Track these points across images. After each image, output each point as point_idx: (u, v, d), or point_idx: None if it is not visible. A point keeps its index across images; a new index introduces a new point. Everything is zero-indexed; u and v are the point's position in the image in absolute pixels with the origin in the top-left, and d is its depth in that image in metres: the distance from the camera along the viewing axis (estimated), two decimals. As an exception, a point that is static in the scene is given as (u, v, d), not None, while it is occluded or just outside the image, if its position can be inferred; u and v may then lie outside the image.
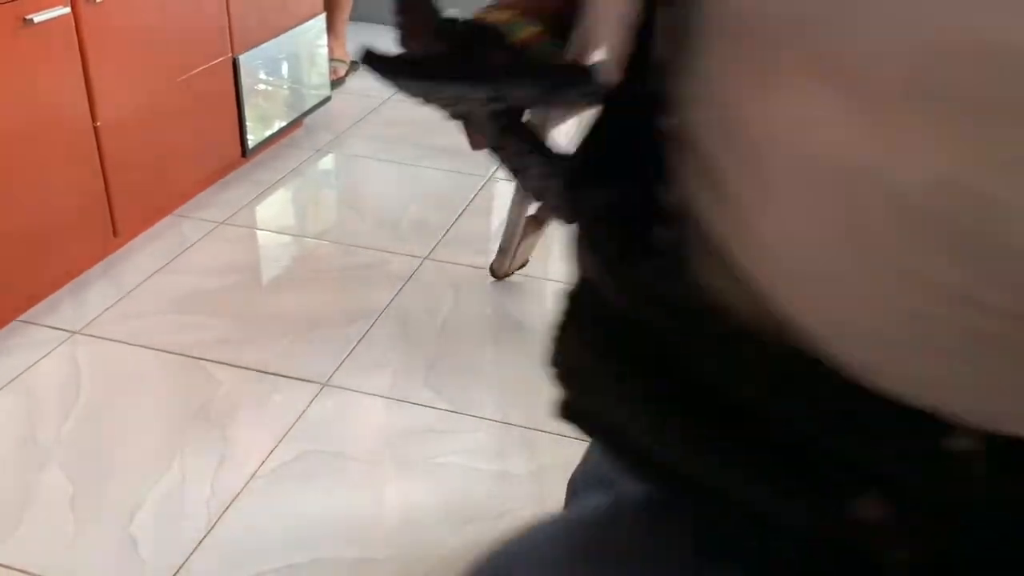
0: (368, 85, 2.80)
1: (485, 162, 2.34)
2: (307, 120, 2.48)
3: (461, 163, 2.28)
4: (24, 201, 1.50)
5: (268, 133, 2.24)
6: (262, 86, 2.16)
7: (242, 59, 2.04)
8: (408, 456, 1.33)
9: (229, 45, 1.99)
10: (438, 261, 1.87)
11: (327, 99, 2.50)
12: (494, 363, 1.56)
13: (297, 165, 2.28)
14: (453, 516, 1.23)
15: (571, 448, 1.32)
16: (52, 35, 1.50)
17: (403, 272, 1.82)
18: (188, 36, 1.85)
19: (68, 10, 1.51)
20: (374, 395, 1.46)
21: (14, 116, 1.45)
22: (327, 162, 2.33)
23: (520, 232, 1.72)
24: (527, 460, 1.34)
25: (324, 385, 1.48)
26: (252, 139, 2.16)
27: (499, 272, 1.79)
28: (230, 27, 1.98)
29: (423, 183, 2.23)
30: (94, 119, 1.62)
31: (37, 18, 1.44)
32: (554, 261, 1.90)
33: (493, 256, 1.88)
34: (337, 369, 1.51)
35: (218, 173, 2.12)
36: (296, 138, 2.43)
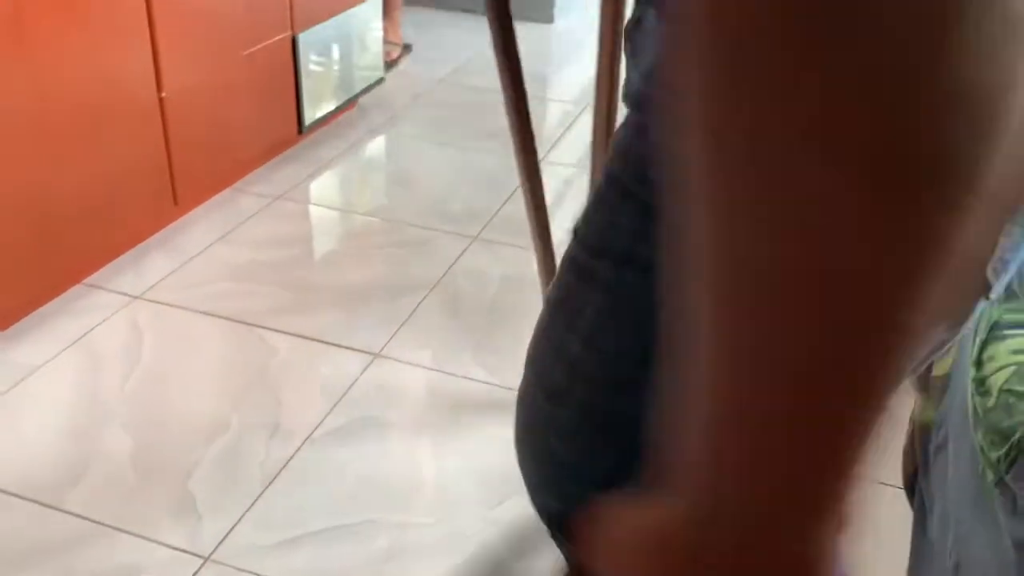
0: (420, 69, 2.83)
1: (541, 148, 2.35)
2: (361, 100, 2.51)
3: (512, 146, 2.29)
4: (90, 168, 1.55)
5: (324, 112, 2.28)
6: (319, 66, 2.20)
7: (301, 37, 2.08)
8: (454, 427, 1.36)
9: (290, 23, 2.03)
10: (487, 241, 1.89)
11: (381, 80, 2.53)
12: (541, 342, 1.58)
13: (351, 144, 2.32)
14: (493, 487, 1.25)
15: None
16: (123, 6, 1.54)
17: (453, 251, 1.84)
18: (251, 13, 1.89)
19: (139, -18, 1.55)
20: (423, 367, 1.49)
21: (83, 85, 1.50)
22: (380, 142, 2.36)
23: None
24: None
25: (376, 356, 1.51)
26: (308, 117, 2.20)
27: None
28: (291, 5, 2.01)
29: (474, 165, 2.25)
30: (160, 90, 1.67)
31: (110, -9, 1.49)
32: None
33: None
34: (389, 341, 1.54)
35: (275, 149, 2.16)
36: (350, 118, 2.46)
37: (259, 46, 1.94)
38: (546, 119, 2.59)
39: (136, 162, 1.66)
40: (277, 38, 2.00)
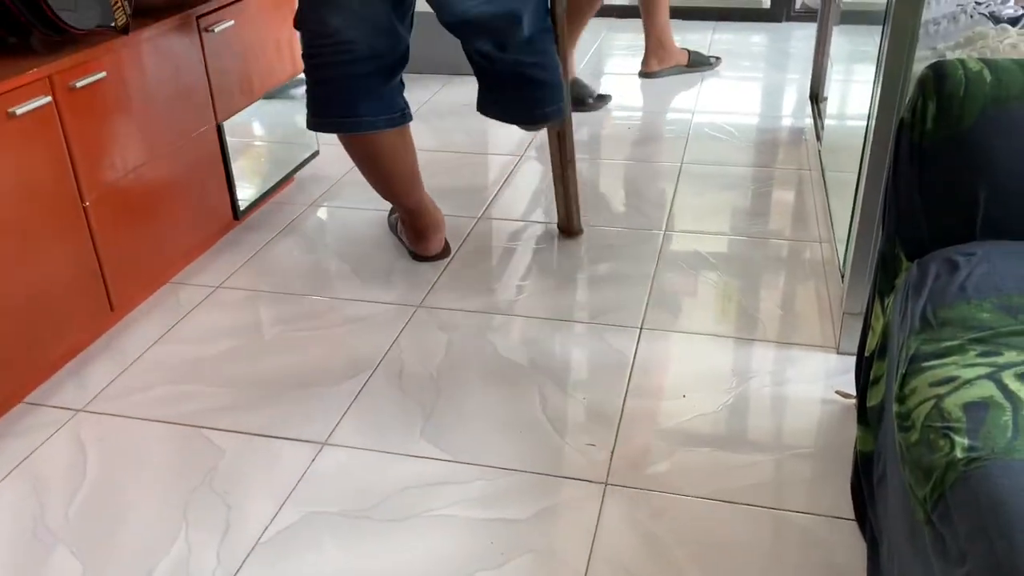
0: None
1: (478, 204, 2.37)
2: (298, 175, 2.52)
3: (451, 206, 2.31)
4: (19, 287, 1.54)
5: (259, 193, 2.28)
6: (248, 150, 2.20)
7: (226, 125, 2.08)
8: (405, 511, 1.35)
9: (212, 113, 2.04)
10: (430, 309, 1.89)
11: (315, 153, 2.54)
12: (490, 407, 1.57)
13: (290, 221, 2.32)
14: (451, 570, 1.24)
15: (568, 488, 1.34)
16: (36, 124, 1.54)
17: (397, 323, 1.84)
18: (170, 109, 1.89)
19: (49, 99, 1.55)
20: (372, 450, 1.48)
21: (3, 205, 1.49)
22: (319, 216, 2.37)
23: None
24: (526, 505, 1.35)
25: (324, 444, 1.50)
26: (243, 201, 2.20)
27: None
28: (212, 97, 2.02)
29: (414, 229, 2.26)
30: (82, 200, 1.66)
31: (19, 110, 1.49)
32: (535, 298, 1.92)
33: (489, 300, 1.91)
34: (336, 427, 1.53)
35: (212, 238, 2.16)
36: (288, 194, 2.47)
37: (182, 141, 1.94)
38: (488, 172, 2.61)
39: (66, 274, 1.65)
40: (201, 130, 2.00)
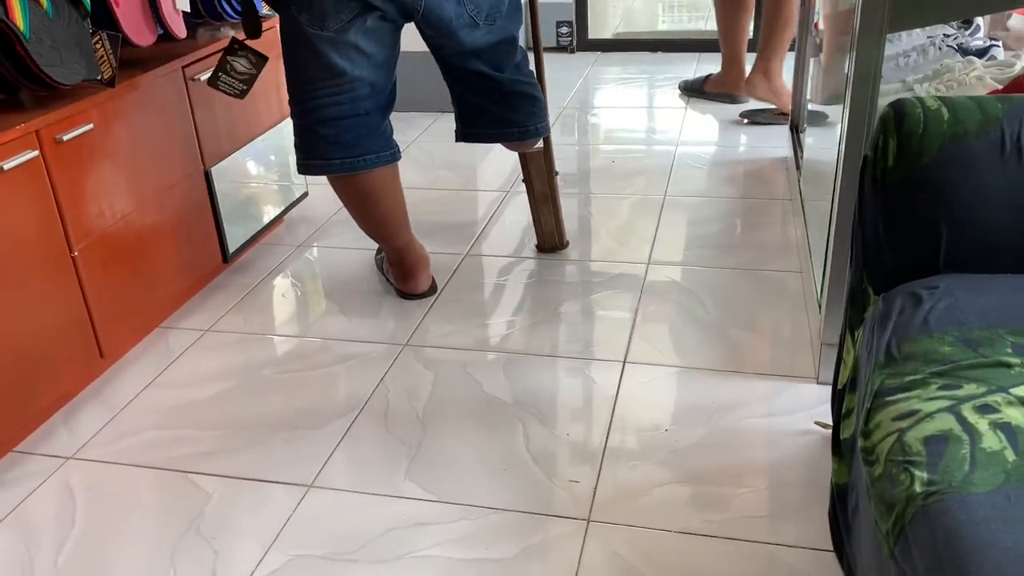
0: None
1: (464, 240, 2.40)
2: (287, 216, 2.55)
3: (438, 243, 2.34)
4: (8, 337, 1.56)
5: (248, 237, 2.31)
6: (237, 193, 2.24)
7: (214, 170, 2.12)
8: (391, 553, 1.36)
9: (200, 158, 2.07)
10: (416, 347, 1.92)
11: (304, 195, 2.58)
12: (474, 445, 1.59)
13: (278, 263, 2.35)
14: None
15: (552, 526, 1.35)
16: (23, 178, 1.57)
17: (383, 363, 1.86)
18: (158, 158, 1.93)
19: (37, 153, 1.59)
20: (358, 492, 1.49)
21: (-8, 259, 1.52)
22: (308, 257, 2.40)
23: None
24: (510, 544, 1.37)
25: (309, 487, 1.51)
26: (232, 244, 2.23)
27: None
28: (199, 144, 2.06)
29: (401, 268, 2.29)
30: (71, 250, 1.69)
31: (7, 165, 1.52)
32: (520, 333, 1.94)
33: (475, 337, 1.93)
34: (322, 469, 1.55)
35: (201, 282, 2.18)
36: (277, 235, 2.50)
37: (170, 187, 1.98)
38: (475, 208, 2.64)
39: (56, 323, 1.67)
40: (189, 175, 2.04)
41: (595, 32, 4.34)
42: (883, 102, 1.55)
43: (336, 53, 1.77)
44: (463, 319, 2.02)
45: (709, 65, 3.79)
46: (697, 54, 4.10)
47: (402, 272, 2.10)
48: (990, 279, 1.17)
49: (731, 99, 3.38)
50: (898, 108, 1.26)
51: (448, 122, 3.17)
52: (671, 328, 1.94)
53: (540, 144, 2.18)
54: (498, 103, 2.03)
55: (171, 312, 2.08)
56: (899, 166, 1.24)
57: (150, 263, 1.94)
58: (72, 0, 1.69)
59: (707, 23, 5.33)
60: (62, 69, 1.62)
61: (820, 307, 1.72)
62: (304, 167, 1.93)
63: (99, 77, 1.73)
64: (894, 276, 1.24)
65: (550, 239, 2.29)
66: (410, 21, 1.82)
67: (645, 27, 5.40)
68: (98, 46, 1.72)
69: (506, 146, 2.18)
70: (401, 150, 1.99)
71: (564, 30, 4.25)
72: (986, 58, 1.88)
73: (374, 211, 1.99)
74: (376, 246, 2.31)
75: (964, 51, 1.90)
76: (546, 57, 2.28)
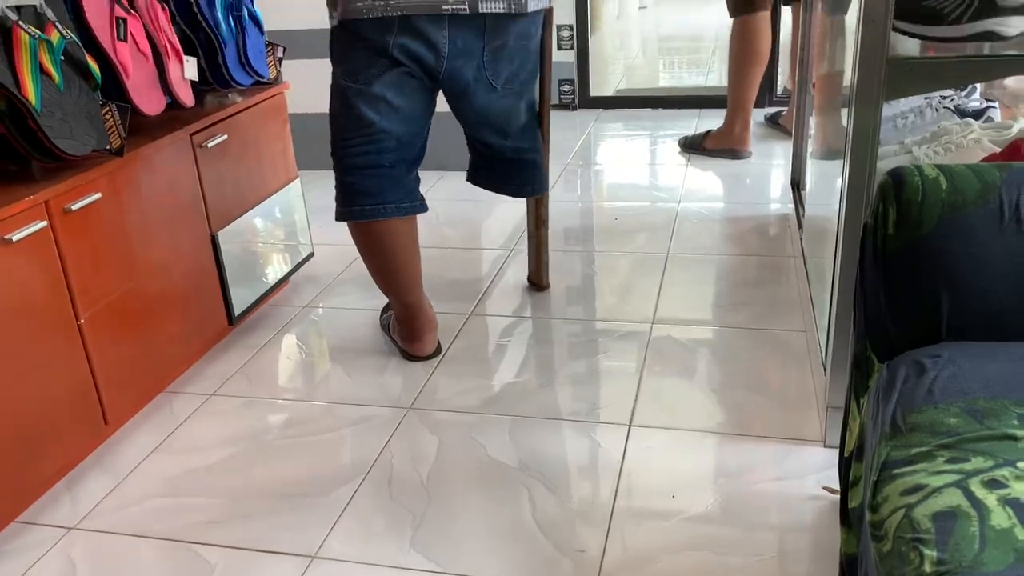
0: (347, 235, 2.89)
1: (469, 300, 2.41)
2: (293, 277, 2.57)
3: (443, 303, 2.35)
4: (13, 405, 1.57)
5: (254, 298, 2.33)
6: (244, 257, 2.26)
7: (220, 235, 2.14)
8: (397, 625, 1.34)
9: (207, 225, 2.09)
10: (421, 411, 1.91)
11: (310, 255, 2.60)
12: (480, 513, 1.58)
13: (284, 325, 2.36)
14: None
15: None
16: (32, 248, 1.59)
17: (389, 425, 1.86)
18: (165, 224, 1.95)
19: (45, 223, 1.61)
20: (362, 563, 1.48)
21: (-1, 329, 1.53)
22: (313, 318, 2.40)
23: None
24: (515, 616, 1.35)
25: (313, 558, 1.50)
26: (238, 306, 2.24)
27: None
28: (206, 209, 2.08)
29: (406, 329, 2.29)
30: (77, 318, 1.70)
31: (16, 236, 1.54)
32: (525, 396, 1.93)
33: (479, 399, 1.93)
34: (326, 539, 1.54)
35: (206, 345, 2.19)
36: (284, 296, 2.51)
37: (177, 252, 1.99)
38: (479, 267, 2.66)
39: (61, 391, 1.67)
40: (196, 240, 2.06)
41: (597, 89, 4.40)
42: (882, 165, 1.57)
43: (365, 105, 1.86)
44: (468, 381, 2.02)
45: (709, 121, 3.84)
46: (698, 110, 4.15)
47: (409, 332, 2.11)
48: (994, 347, 1.17)
49: (734, 155, 3.41)
50: (896, 177, 1.27)
51: (452, 181, 3.21)
52: (676, 389, 1.93)
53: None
54: (497, 169, 2.21)
55: (176, 376, 2.09)
56: (899, 235, 1.24)
57: (156, 329, 1.95)
58: (83, 72, 1.72)
59: (707, 79, 5.42)
60: (72, 141, 1.65)
61: (825, 369, 1.72)
62: (337, 214, 2.00)
63: (108, 147, 1.76)
64: (897, 344, 1.24)
65: (534, 276, 2.47)
66: (435, 81, 1.90)
67: (646, 81, 5.48)
68: (107, 117, 1.75)
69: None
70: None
71: (566, 88, 4.31)
72: (983, 119, 1.90)
73: (388, 262, 2.03)
74: (381, 306, 2.32)
75: (961, 112, 1.92)
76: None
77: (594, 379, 2.00)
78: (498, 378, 2.03)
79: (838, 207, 1.56)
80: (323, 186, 3.26)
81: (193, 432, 1.89)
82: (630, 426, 1.81)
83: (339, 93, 1.90)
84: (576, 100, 4.34)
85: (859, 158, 1.46)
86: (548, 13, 2.07)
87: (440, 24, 1.80)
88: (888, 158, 1.84)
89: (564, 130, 3.96)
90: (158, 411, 1.98)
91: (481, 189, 2.28)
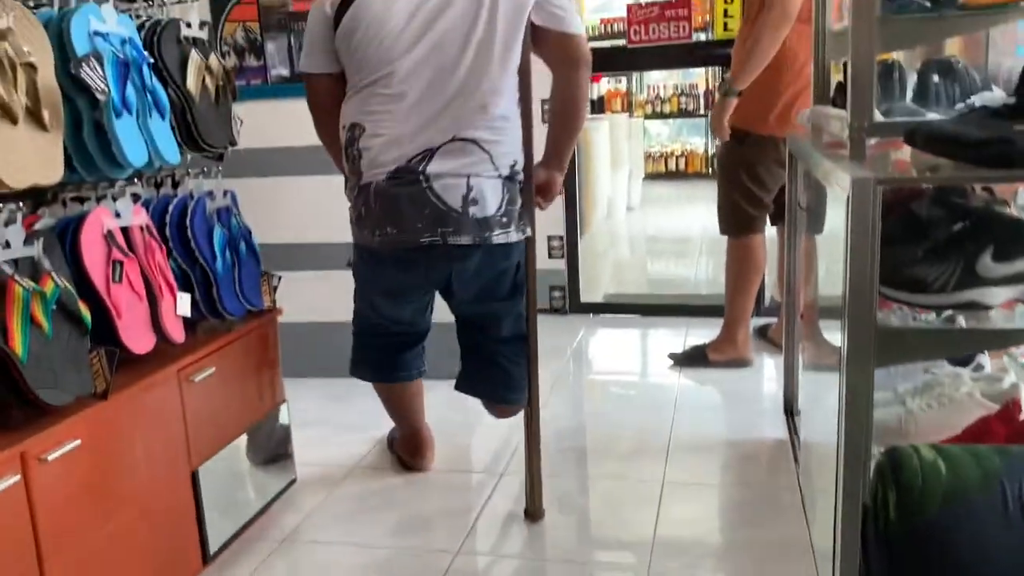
0: (335, 451, 2.83)
1: (454, 537, 2.31)
2: (272, 506, 2.47)
3: (423, 540, 2.25)
4: None
5: (232, 532, 2.23)
6: (224, 492, 2.18)
7: (201, 470, 2.07)
8: None
9: (187, 461, 2.04)
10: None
11: (293, 481, 2.52)
12: None
13: (260, 562, 2.24)
14: None
15: None
16: (2, 504, 1.52)
17: None
18: (143, 465, 1.89)
19: (19, 477, 1.55)
20: None
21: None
22: (291, 555, 2.29)
23: None
24: None
25: None
26: (214, 543, 2.14)
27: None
28: (188, 445, 2.03)
29: (392, 567, 2.19)
30: (41, 573, 1.61)
31: (-15, 494, 1.48)
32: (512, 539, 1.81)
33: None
34: None
35: (177, 588, 2.07)
36: (262, 527, 2.41)
37: (154, 491, 1.92)
38: (466, 495, 2.57)
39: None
40: (175, 478, 1.99)
41: (587, 295, 4.48)
42: (876, 416, 1.54)
43: (387, 301, 2.36)
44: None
45: (698, 331, 3.87)
46: (687, 318, 4.20)
47: (412, 448, 2.66)
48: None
49: (742, 364, 3.40)
50: (894, 458, 1.25)
51: (440, 392, 3.16)
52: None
53: (520, 413, 2.35)
54: (477, 367, 2.40)
55: (142, 625, 1.96)
56: (901, 520, 1.21)
57: (126, 572, 1.84)
58: (74, 319, 1.72)
59: (695, 278, 5.55)
60: (55, 392, 1.62)
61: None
62: (351, 369, 2.54)
63: (93, 392, 1.73)
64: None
65: (528, 502, 2.37)
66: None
67: (636, 283, 5.61)
68: (95, 362, 1.74)
69: (486, 408, 2.47)
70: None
71: (557, 294, 4.39)
72: (972, 366, 1.91)
73: (397, 406, 2.62)
74: (364, 541, 2.23)
75: (951, 360, 1.93)
76: (541, 319, 2.39)
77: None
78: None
79: (834, 480, 1.51)
80: (309, 396, 3.24)
81: None
82: None
83: (359, 281, 2.42)
84: (567, 305, 4.41)
85: (855, 432, 1.41)
86: (528, 242, 2.25)
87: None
88: (881, 407, 1.82)
89: (556, 337, 3.98)
90: (119, 669, 1.84)
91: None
